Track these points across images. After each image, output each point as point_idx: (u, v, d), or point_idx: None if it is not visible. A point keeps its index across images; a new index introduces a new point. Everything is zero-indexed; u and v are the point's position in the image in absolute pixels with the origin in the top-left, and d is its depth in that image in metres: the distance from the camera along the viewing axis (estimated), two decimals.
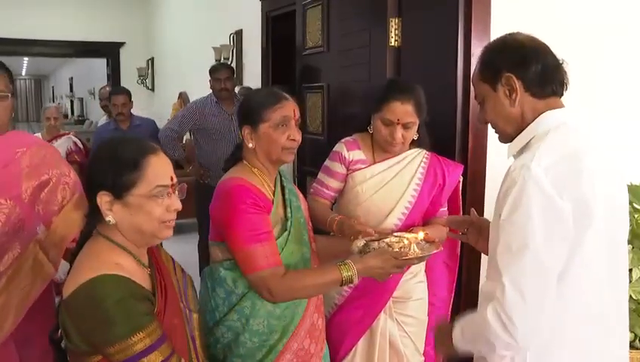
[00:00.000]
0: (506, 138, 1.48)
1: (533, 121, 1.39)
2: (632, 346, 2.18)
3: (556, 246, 1.26)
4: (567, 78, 1.42)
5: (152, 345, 1.22)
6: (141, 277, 1.31)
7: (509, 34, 1.46)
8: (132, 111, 4.65)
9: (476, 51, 2.30)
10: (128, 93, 4.58)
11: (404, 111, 2.00)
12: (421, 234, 1.80)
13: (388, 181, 2.08)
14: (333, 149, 2.20)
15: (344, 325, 2.13)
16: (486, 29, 2.32)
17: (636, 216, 2.33)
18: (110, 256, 1.28)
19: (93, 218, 1.34)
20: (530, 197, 1.25)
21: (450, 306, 2.29)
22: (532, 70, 1.37)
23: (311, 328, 1.76)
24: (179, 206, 1.33)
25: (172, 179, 1.32)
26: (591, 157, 1.32)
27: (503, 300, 1.27)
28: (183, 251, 4.83)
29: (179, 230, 6.39)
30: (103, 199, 1.28)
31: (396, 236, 1.80)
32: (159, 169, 1.31)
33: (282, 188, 1.81)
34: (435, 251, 1.76)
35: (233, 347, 1.69)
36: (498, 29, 2.31)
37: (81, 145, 4.47)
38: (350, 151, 2.14)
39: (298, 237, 1.76)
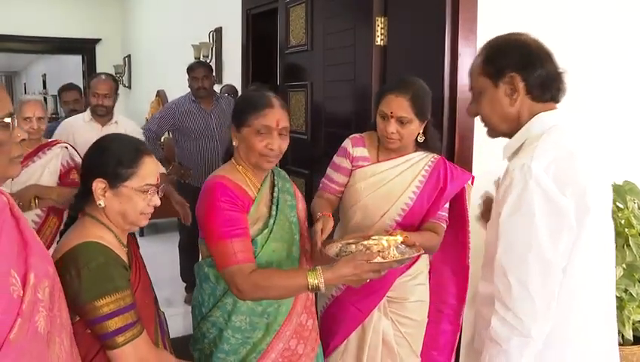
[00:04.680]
0: (496, 134, 1.51)
1: (528, 121, 1.41)
2: None
3: (561, 243, 1.28)
4: (565, 87, 1.45)
5: (124, 307, 1.36)
6: (120, 252, 1.47)
7: (516, 33, 1.47)
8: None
9: (463, 50, 2.30)
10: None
11: (397, 104, 1.95)
12: (399, 238, 1.74)
13: (389, 181, 2.04)
14: (342, 145, 2.17)
15: (338, 317, 2.13)
16: (472, 28, 2.32)
17: (619, 214, 2.36)
18: (95, 230, 1.46)
19: (83, 199, 1.50)
20: (533, 197, 1.27)
21: (462, 317, 2.23)
22: (537, 74, 1.39)
23: (298, 328, 1.76)
24: (158, 203, 1.53)
25: (158, 179, 1.53)
26: (584, 156, 1.36)
27: (510, 298, 1.29)
28: (163, 250, 4.76)
29: (159, 229, 6.30)
30: (99, 185, 1.46)
31: (374, 239, 1.73)
32: (151, 169, 1.51)
33: (273, 185, 1.80)
34: (415, 255, 1.74)
35: (218, 342, 1.72)
36: (485, 28, 2.31)
37: (79, 160, 2.78)
38: (355, 147, 2.12)
39: (283, 236, 1.75)
